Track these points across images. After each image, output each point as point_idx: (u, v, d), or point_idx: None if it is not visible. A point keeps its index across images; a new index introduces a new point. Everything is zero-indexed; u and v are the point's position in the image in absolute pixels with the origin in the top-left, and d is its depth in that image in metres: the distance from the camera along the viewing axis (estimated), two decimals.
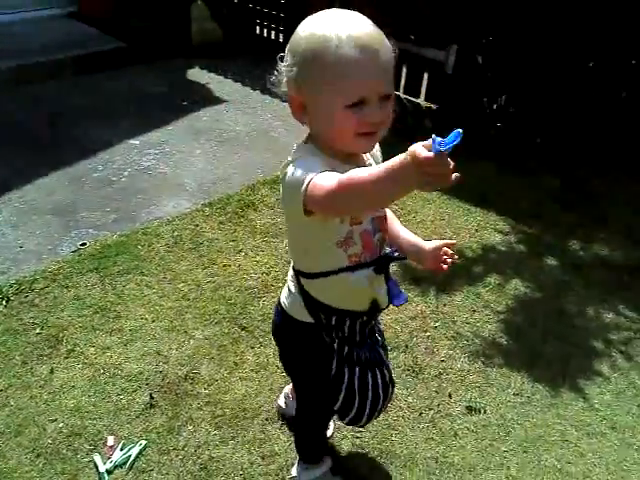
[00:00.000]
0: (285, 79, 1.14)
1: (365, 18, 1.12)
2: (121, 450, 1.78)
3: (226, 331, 2.26)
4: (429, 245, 1.38)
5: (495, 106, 4.09)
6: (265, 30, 5.39)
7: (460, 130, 0.83)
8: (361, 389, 1.39)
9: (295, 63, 1.11)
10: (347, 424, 1.52)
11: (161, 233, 2.76)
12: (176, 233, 2.76)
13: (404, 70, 4.42)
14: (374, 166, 1.21)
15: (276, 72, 1.16)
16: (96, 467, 1.75)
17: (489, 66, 3.99)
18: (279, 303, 1.44)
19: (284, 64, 1.13)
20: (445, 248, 1.38)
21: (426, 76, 4.35)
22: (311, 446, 1.71)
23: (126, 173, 3.31)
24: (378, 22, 1.14)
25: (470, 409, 2.05)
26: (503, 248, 2.93)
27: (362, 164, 1.23)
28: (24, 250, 2.65)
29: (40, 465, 1.75)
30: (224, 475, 1.74)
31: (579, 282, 2.72)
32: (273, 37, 5.33)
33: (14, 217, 2.89)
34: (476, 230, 3.03)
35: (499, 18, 3.76)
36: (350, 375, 1.38)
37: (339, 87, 1.07)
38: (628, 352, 2.38)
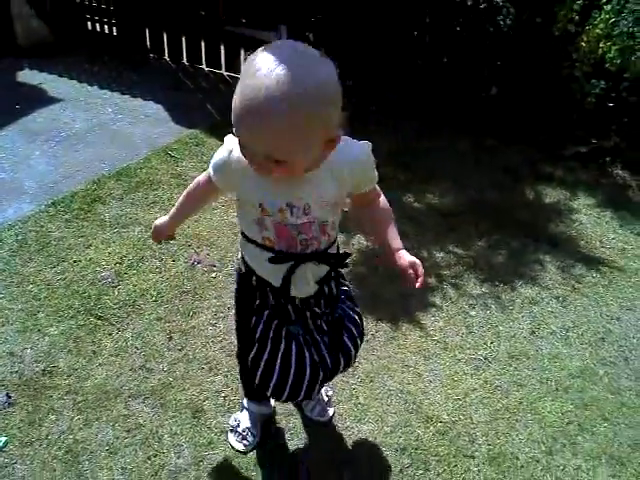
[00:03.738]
0: None
1: (284, 73, 1.05)
2: None
3: (82, 323, 2.30)
4: (404, 260, 1.47)
5: None
6: (97, 25, 5.27)
7: None
8: (283, 361, 1.48)
9: None
10: (271, 396, 1.61)
11: (3, 239, 2.71)
12: (20, 237, 2.72)
13: (242, 54, 4.56)
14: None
15: None
16: None
17: (321, 42, 4.20)
18: None
19: None
20: (420, 268, 1.46)
21: None
22: (244, 383, 1.89)
23: None
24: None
25: None
26: (345, 209, 3.17)
27: None
28: None
29: None
30: (90, 453, 1.82)
31: (414, 230, 3.01)
32: (107, 31, 5.22)
33: None
34: None
35: None
36: (272, 344, 1.49)
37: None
38: (457, 284, 2.70)
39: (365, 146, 1.35)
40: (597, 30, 3.50)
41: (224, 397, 2.06)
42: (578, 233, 3.10)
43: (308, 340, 1.53)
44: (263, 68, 1.05)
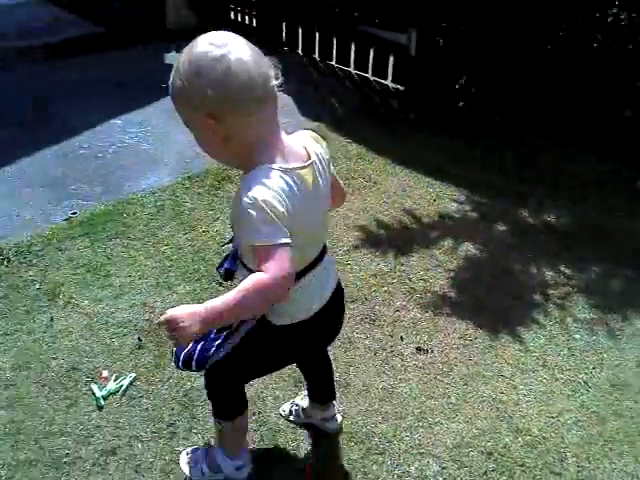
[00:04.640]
0: None
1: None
2: (114, 381, 2.07)
3: (205, 286, 2.54)
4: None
5: (457, 86, 4.36)
6: (239, 15, 5.62)
7: None
8: None
9: None
10: None
11: (145, 203, 3.02)
12: (159, 203, 3.03)
13: (371, 53, 4.69)
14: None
15: None
16: (93, 394, 2.04)
17: (450, 48, 4.24)
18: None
19: None
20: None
21: (392, 58, 4.61)
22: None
23: (111, 150, 3.55)
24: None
25: (419, 350, 2.35)
26: (458, 216, 3.22)
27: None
28: (20, 218, 2.92)
29: (46, 392, 2.05)
30: (203, 401, 2.02)
31: (525, 245, 3.00)
32: (247, 22, 5.56)
33: (9, 189, 3.15)
34: (434, 200, 3.32)
35: (458, 2, 4.01)
36: None
37: None
38: (564, 305, 2.67)
39: (244, 200, 1.15)
40: None
41: None
42: None
43: None
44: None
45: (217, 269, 1.46)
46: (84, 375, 2.12)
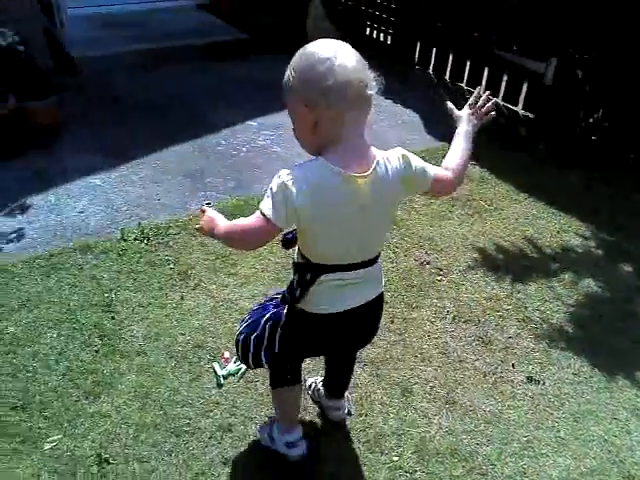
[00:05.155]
0: None
1: None
2: (235, 363, 2.20)
3: None
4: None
5: (591, 120, 4.23)
6: (375, 32, 5.76)
7: None
8: None
9: None
10: None
11: None
12: None
13: (504, 78, 4.64)
14: None
15: None
16: (215, 372, 2.19)
17: (588, 81, 4.13)
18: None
19: None
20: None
21: (525, 86, 4.54)
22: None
23: (244, 149, 3.78)
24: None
25: (530, 379, 2.31)
26: (581, 251, 3.13)
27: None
28: (161, 203, 3.19)
29: (172, 364, 2.23)
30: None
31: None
32: (382, 39, 5.68)
33: (153, 175, 3.45)
34: (558, 232, 3.24)
35: (601, 35, 3.90)
36: None
37: None
38: None
39: (278, 173, 1.36)
40: None
41: (431, 387, 2.23)
42: None
43: None
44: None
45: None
46: (207, 353, 2.28)
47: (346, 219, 1.40)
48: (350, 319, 1.58)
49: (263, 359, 1.67)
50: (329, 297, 1.52)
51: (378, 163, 1.40)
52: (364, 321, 1.66)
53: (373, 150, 1.42)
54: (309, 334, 1.62)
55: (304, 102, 1.33)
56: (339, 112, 1.32)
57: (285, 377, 1.77)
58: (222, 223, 1.50)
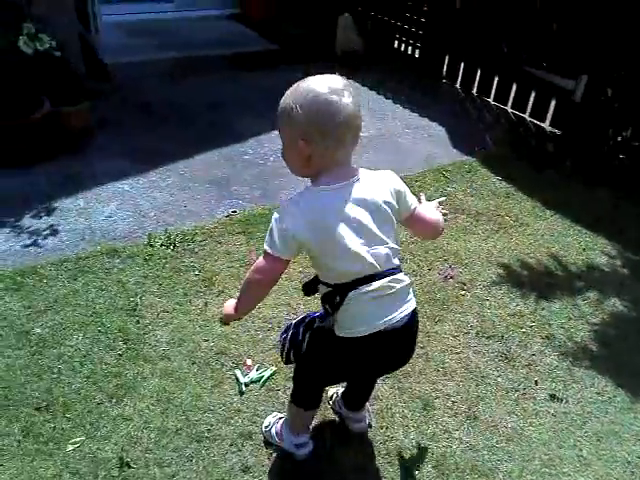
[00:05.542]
0: None
1: None
2: (257, 370, 2.22)
3: None
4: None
5: (619, 138, 4.20)
6: (403, 45, 5.79)
7: None
8: None
9: None
10: None
11: None
12: None
13: (532, 94, 4.63)
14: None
15: None
16: (237, 379, 2.20)
17: (617, 99, 4.10)
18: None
19: None
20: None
21: (553, 102, 4.52)
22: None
23: (271, 159, 3.81)
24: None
25: (553, 397, 2.29)
26: (607, 269, 3.09)
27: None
28: (187, 209, 3.23)
29: (195, 370, 2.25)
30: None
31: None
32: (410, 52, 5.71)
33: (181, 183, 3.50)
34: (583, 250, 3.21)
35: (632, 54, 3.88)
36: None
37: None
38: None
39: (276, 210, 1.47)
40: None
41: (453, 402, 2.22)
42: None
43: None
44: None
45: None
46: (230, 360, 2.30)
47: (347, 230, 1.43)
48: (388, 339, 1.56)
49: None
50: (366, 315, 1.52)
51: (363, 173, 1.50)
52: (402, 340, 1.65)
53: (360, 169, 1.52)
54: (346, 360, 1.62)
55: (303, 136, 1.41)
56: (334, 151, 1.43)
57: (307, 400, 1.83)
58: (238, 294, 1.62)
